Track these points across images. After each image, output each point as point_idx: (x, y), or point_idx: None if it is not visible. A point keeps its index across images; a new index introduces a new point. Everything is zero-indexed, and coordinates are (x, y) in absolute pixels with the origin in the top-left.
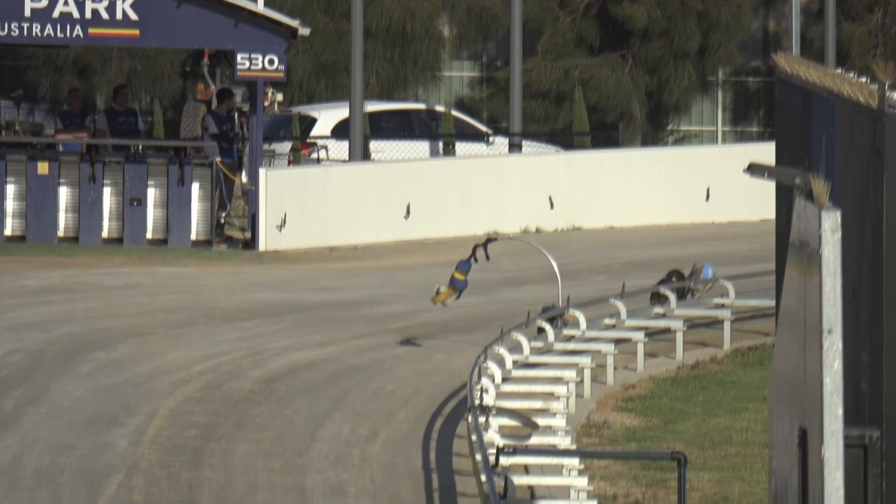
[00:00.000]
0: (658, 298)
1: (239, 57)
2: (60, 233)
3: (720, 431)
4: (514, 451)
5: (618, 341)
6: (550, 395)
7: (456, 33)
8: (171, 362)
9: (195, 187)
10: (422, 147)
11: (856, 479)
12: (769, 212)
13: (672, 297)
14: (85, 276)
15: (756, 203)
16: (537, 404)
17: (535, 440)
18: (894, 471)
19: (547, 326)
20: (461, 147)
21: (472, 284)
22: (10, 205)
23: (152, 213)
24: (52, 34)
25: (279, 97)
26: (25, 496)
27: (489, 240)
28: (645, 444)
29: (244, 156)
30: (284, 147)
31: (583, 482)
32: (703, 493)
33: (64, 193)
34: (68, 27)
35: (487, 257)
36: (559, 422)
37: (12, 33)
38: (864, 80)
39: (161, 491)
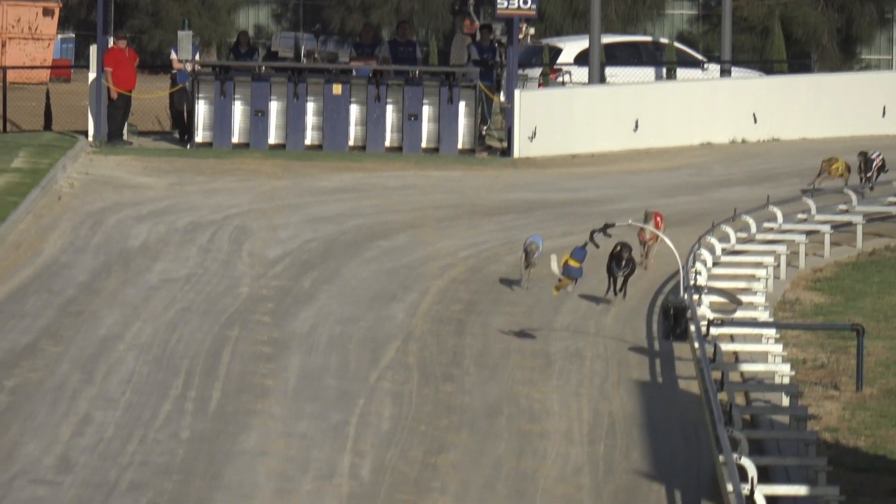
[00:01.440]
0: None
1: None
2: (350, 142)
3: (893, 307)
4: (722, 323)
5: (808, 232)
6: (752, 277)
7: None
8: (441, 249)
9: (461, 105)
10: (648, 72)
11: None
12: None
13: (853, 196)
14: (370, 178)
15: None
16: (741, 284)
17: (740, 314)
18: None
19: (750, 220)
20: (681, 72)
21: (686, 186)
22: (310, 119)
23: (426, 127)
24: None
25: (531, 31)
26: (320, 359)
27: (606, 225)
28: (830, 318)
29: (502, 79)
30: (535, 72)
31: (778, 349)
32: (877, 359)
33: (354, 110)
34: None
35: (597, 245)
36: (759, 299)
37: None
38: None
39: (431, 355)
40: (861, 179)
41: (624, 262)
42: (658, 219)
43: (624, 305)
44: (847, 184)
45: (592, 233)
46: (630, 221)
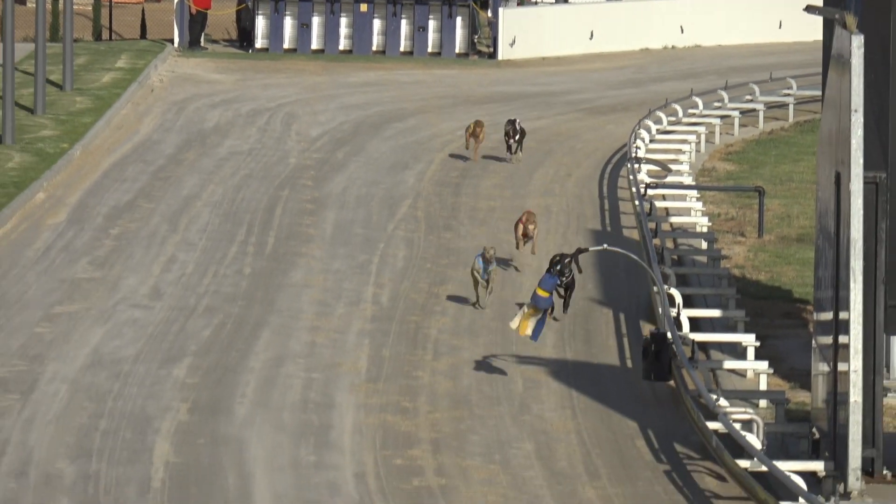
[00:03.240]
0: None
1: None
2: (374, 48)
3: (786, 174)
4: (656, 186)
5: (722, 117)
6: (679, 151)
7: None
8: (442, 129)
9: (458, 20)
10: None
11: (870, 205)
12: (819, 35)
13: (757, 88)
14: (388, 75)
15: (810, 29)
16: (671, 156)
17: (669, 179)
18: (894, 198)
19: (678, 107)
20: None
21: (629, 81)
22: (343, 30)
23: (431, 36)
24: None
25: None
26: (350, 213)
27: (579, 251)
28: (738, 181)
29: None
30: None
31: (699, 205)
32: (774, 213)
33: (376, 23)
34: None
35: (580, 270)
36: (685, 167)
37: None
38: None
39: (434, 210)
40: (508, 146)
41: (565, 278)
42: (532, 218)
43: (582, 173)
44: (480, 140)
45: (564, 257)
46: (605, 246)
